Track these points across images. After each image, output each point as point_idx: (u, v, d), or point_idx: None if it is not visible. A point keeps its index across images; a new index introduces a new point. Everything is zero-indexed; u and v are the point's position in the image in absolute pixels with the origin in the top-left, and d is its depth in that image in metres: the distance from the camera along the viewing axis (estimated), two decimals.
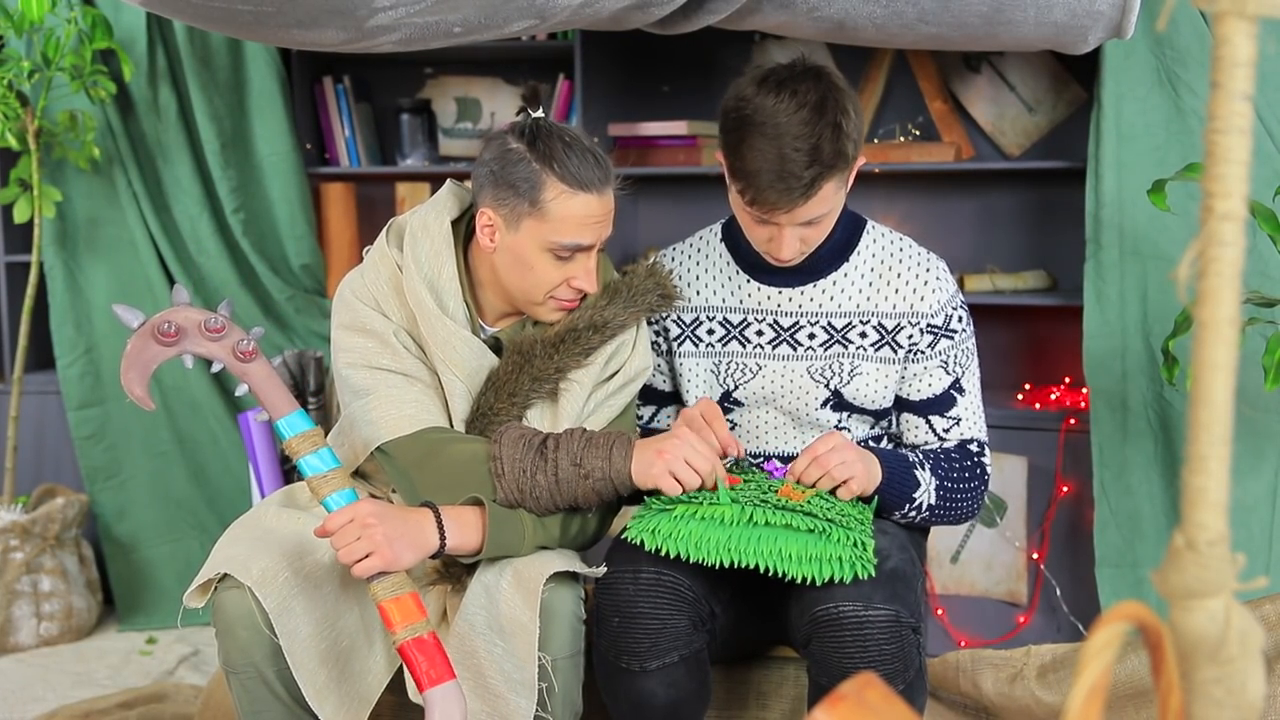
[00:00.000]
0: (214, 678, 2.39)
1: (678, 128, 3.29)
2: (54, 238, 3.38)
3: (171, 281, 3.42)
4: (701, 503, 1.75)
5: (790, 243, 1.87)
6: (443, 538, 1.73)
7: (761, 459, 2.06)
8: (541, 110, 1.88)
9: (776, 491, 1.80)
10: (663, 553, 1.75)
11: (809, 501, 1.76)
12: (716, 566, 1.74)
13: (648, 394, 2.13)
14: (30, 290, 3.30)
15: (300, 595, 1.73)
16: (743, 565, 1.73)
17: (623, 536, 1.80)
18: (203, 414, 3.45)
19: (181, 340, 1.69)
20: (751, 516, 1.74)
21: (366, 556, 1.65)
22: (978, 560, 3.00)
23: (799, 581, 1.72)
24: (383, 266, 1.92)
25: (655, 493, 1.81)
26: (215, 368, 1.73)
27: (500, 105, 3.68)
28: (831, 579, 1.70)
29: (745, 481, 1.85)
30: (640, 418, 2.13)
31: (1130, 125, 2.72)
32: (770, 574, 1.73)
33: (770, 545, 1.72)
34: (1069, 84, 3.14)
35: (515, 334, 1.94)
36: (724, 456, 1.88)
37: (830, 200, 1.84)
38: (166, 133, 3.36)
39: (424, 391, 1.89)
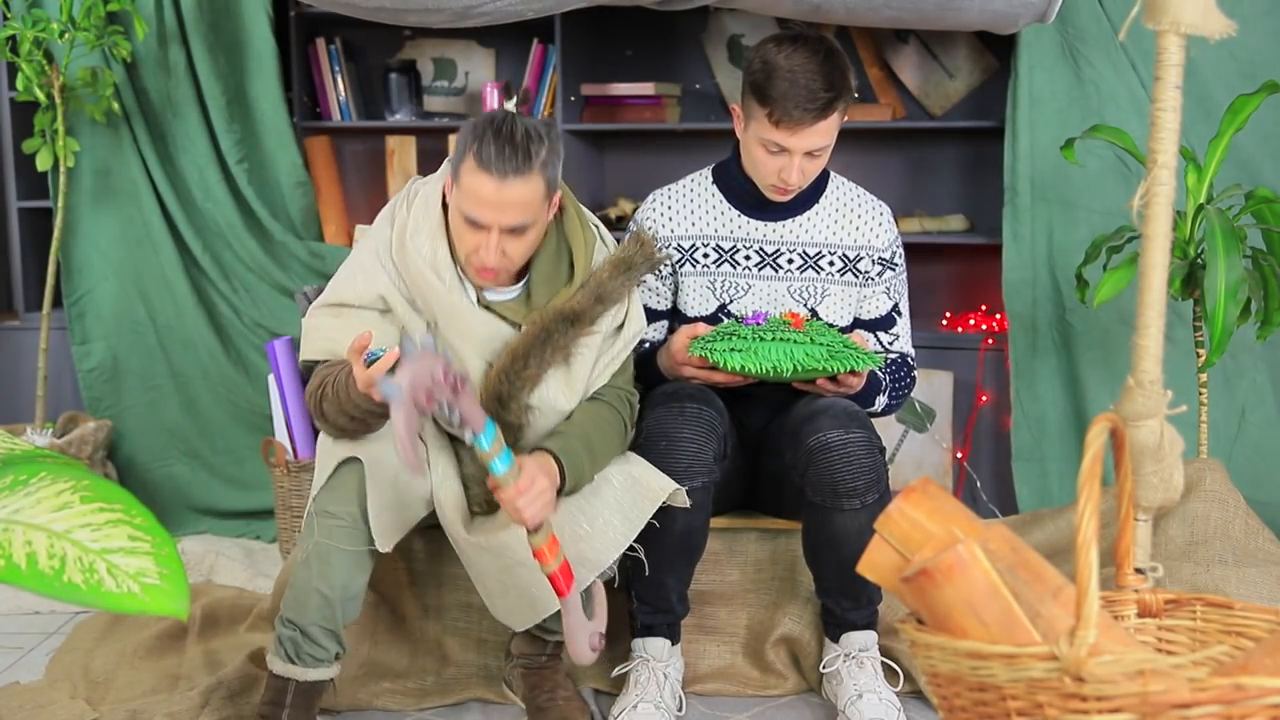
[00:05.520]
0: (285, 568, 2.76)
1: (645, 88, 3.72)
2: (65, 185, 3.67)
3: (171, 228, 3.72)
4: (746, 337, 2.23)
5: (799, 169, 2.33)
6: (562, 472, 2.09)
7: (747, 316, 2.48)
8: (516, 102, 2.22)
9: (789, 326, 2.27)
10: (728, 366, 2.22)
11: (810, 325, 2.27)
12: (770, 373, 2.22)
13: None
14: (57, 233, 3.59)
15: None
16: (791, 370, 2.21)
17: (689, 353, 2.28)
18: (195, 351, 3.78)
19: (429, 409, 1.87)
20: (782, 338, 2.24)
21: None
22: (910, 460, 3.53)
23: (832, 375, 2.24)
24: (393, 228, 2.20)
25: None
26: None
27: (474, 66, 4.05)
28: (852, 370, 2.23)
29: (757, 327, 2.30)
30: None
31: (1040, 92, 3.26)
32: (805, 373, 2.23)
33: (802, 354, 2.21)
34: (983, 53, 3.65)
35: (520, 308, 2.21)
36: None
37: (832, 132, 2.32)
38: (176, 89, 3.66)
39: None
